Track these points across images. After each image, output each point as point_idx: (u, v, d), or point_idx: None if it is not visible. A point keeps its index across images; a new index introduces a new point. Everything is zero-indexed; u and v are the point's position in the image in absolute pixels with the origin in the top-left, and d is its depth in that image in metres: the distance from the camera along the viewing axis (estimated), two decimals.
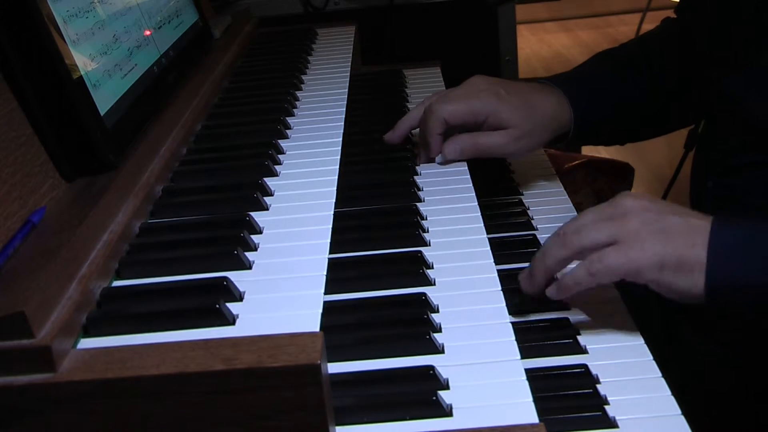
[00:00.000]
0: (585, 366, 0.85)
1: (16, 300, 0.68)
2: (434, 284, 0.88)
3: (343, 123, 1.16)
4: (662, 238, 0.85)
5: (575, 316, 0.93)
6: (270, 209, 0.94)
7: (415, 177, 1.10)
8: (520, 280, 0.92)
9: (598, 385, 0.82)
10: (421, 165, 1.15)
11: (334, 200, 0.94)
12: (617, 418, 0.78)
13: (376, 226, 1.00)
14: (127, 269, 0.82)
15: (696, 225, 0.86)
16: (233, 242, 0.84)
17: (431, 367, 0.75)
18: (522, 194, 1.23)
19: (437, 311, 0.84)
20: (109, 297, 0.77)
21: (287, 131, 1.14)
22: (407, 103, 1.40)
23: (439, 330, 0.81)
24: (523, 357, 0.77)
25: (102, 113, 0.94)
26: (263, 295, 0.77)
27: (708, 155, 1.17)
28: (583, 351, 0.88)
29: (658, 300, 0.92)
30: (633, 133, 1.34)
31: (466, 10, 1.94)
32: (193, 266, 0.82)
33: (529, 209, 1.18)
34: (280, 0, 1.93)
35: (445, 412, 0.71)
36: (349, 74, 1.38)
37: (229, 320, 0.73)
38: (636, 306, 0.95)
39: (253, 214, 0.91)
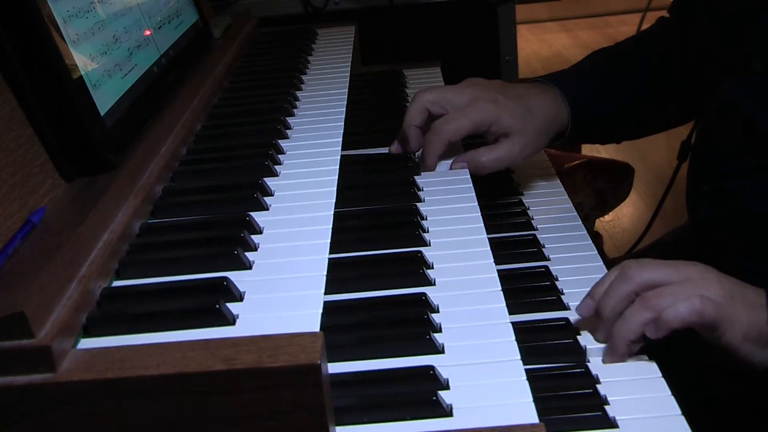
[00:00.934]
0: (585, 366, 0.85)
1: (16, 300, 0.68)
2: (434, 284, 0.88)
3: (343, 123, 1.16)
4: (747, 302, 0.86)
5: (575, 316, 0.93)
6: (270, 209, 0.93)
7: (415, 177, 1.10)
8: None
9: (598, 385, 0.82)
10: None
11: (334, 200, 0.94)
12: (617, 418, 0.78)
13: (376, 226, 1.00)
14: (127, 269, 0.82)
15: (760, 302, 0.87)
16: (233, 242, 0.84)
17: (431, 367, 0.75)
18: (522, 194, 1.23)
19: (437, 311, 0.84)
20: (109, 297, 0.77)
21: (287, 131, 1.14)
22: (407, 103, 1.39)
23: (439, 330, 0.81)
24: (522, 358, 0.77)
25: (102, 113, 0.94)
26: (263, 295, 0.77)
27: (704, 159, 1.16)
28: (583, 351, 0.88)
29: None
30: (630, 131, 1.33)
31: (466, 10, 1.94)
32: (193, 266, 0.82)
33: (529, 209, 1.18)
34: (280, 0, 1.93)
35: (445, 412, 0.71)
36: (349, 74, 1.37)
37: (229, 320, 0.73)
38: None
39: (253, 214, 0.91)
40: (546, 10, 5.48)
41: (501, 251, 1.01)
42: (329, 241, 0.86)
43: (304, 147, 1.09)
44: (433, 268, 0.91)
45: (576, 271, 1.02)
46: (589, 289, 0.92)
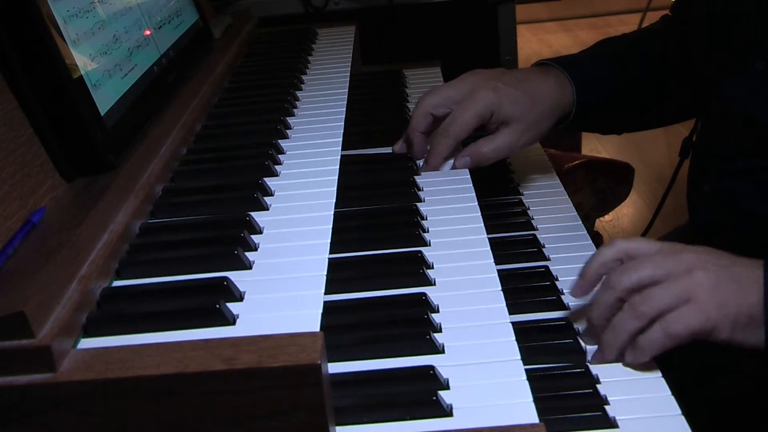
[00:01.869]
0: (585, 366, 0.85)
1: (16, 300, 0.68)
2: (434, 284, 0.88)
3: (343, 123, 1.16)
4: (735, 288, 0.84)
5: (575, 316, 0.93)
6: (270, 209, 0.93)
7: (415, 177, 1.10)
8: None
9: (598, 385, 0.82)
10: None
11: (334, 200, 0.94)
12: (617, 418, 0.78)
13: (376, 226, 1.00)
14: (127, 269, 0.82)
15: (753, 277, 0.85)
16: (233, 242, 0.84)
17: (431, 367, 0.75)
18: (522, 194, 1.23)
19: (437, 311, 0.84)
20: (109, 297, 0.77)
21: (287, 131, 1.14)
22: (407, 103, 1.40)
23: (439, 330, 0.81)
24: (522, 358, 0.77)
25: (102, 113, 0.94)
26: (263, 295, 0.77)
27: (705, 159, 1.16)
28: (583, 351, 0.88)
29: None
30: (631, 122, 1.33)
31: (466, 10, 1.94)
32: (194, 266, 0.82)
33: (529, 209, 1.18)
34: (280, 0, 1.93)
35: (446, 412, 0.71)
36: (349, 74, 1.37)
37: (230, 320, 0.73)
38: None
39: (253, 214, 0.91)
40: (546, 10, 5.49)
41: (501, 251, 1.01)
42: (329, 241, 0.86)
43: (304, 147, 1.09)
44: (433, 268, 0.91)
45: (576, 271, 1.01)
46: None
